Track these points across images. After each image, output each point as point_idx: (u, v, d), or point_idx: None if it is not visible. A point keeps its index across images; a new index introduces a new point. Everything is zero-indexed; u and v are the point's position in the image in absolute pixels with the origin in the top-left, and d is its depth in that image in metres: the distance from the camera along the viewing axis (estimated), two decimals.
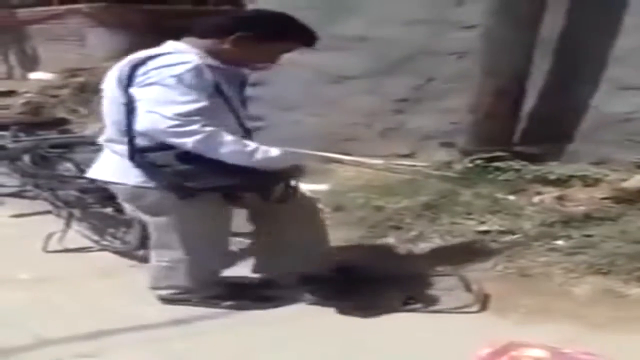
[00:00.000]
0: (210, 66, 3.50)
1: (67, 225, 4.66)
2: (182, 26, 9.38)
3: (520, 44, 4.98)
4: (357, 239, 4.46)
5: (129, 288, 4.02)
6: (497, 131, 5.19)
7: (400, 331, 3.53)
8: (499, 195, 4.69)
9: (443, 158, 5.22)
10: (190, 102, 3.37)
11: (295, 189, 3.68)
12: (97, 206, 4.69)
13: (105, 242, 4.59)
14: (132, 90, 3.47)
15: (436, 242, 4.38)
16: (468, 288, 3.81)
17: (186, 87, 3.39)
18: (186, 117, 3.35)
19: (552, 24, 5.07)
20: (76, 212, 4.70)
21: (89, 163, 4.71)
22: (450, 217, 4.54)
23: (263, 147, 3.45)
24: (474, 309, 3.70)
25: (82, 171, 4.75)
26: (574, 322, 3.49)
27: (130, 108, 3.46)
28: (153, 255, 3.86)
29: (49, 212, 4.92)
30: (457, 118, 5.31)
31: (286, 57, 5.72)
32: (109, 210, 4.61)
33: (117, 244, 4.53)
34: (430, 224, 4.49)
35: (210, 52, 3.55)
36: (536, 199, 4.67)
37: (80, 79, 7.85)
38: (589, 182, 4.74)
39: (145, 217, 3.80)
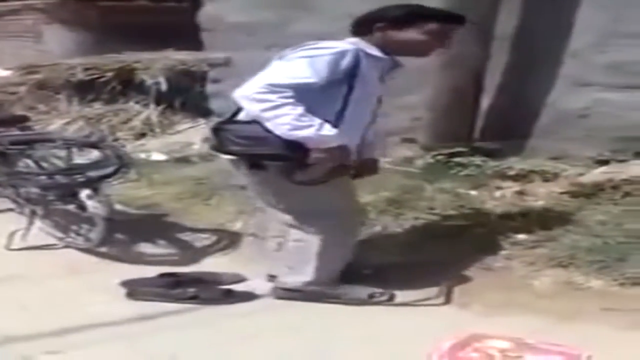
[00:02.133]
0: (368, 54, 3.64)
1: (30, 222, 4.65)
2: (138, 22, 9.34)
3: (476, 40, 5.03)
4: None
5: (95, 284, 4.04)
6: (456, 127, 5.26)
7: (365, 324, 3.59)
8: (461, 191, 4.75)
9: (405, 154, 5.27)
10: (295, 77, 3.50)
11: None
12: (59, 203, 4.68)
13: (69, 239, 4.59)
14: (273, 63, 3.65)
15: (400, 236, 4.42)
16: (433, 282, 3.87)
17: (310, 67, 3.53)
18: (273, 87, 3.46)
19: (508, 21, 5.12)
20: (39, 209, 4.68)
21: (49, 160, 4.74)
22: (414, 212, 4.58)
23: (324, 125, 3.49)
24: (438, 301, 3.76)
25: (43, 168, 4.75)
26: (536, 314, 3.57)
27: None
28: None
29: (10, 209, 4.89)
30: (417, 114, 5.35)
31: (245, 55, 5.88)
32: (71, 207, 4.60)
33: (81, 240, 4.53)
34: (394, 219, 4.54)
35: (379, 45, 3.69)
36: (497, 193, 4.74)
37: (39, 76, 7.78)
38: (548, 177, 4.82)
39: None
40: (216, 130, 3.69)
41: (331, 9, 5.49)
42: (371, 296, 3.80)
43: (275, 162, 3.61)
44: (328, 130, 3.49)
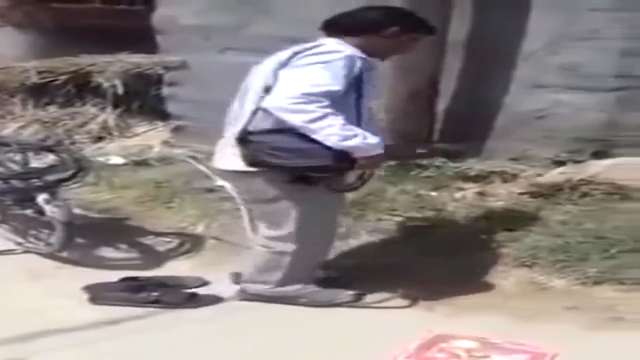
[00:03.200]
0: (361, 58, 3.63)
1: None
2: (92, 25, 9.21)
3: (430, 44, 5.02)
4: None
5: (56, 289, 3.97)
6: (415, 130, 5.27)
7: (331, 326, 3.57)
8: (422, 192, 4.76)
9: None
10: (323, 85, 3.49)
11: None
12: (17, 208, 4.59)
13: (29, 244, 4.50)
14: (281, 72, 3.59)
15: (364, 238, 4.42)
16: (398, 283, 3.86)
17: (330, 73, 3.52)
18: (309, 97, 3.46)
19: (461, 25, 5.15)
20: None
21: (5, 164, 4.65)
22: (376, 213, 4.58)
23: (365, 133, 3.52)
24: (404, 303, 3.76)
25: None
26: (501, 314, 3.58)
27: (267, 89, 3.58)
28: (255, 245, 3.87)
29: None
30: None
31: (200, 58, 5.85)
32: (29, 212, 4.52)
33: (41, 245, 4.45)
34: (357, 221, 4.53)
35: (359, 47, 3.67)
36: (458, 194, 4.76)
37: None
38: (507, 177, 4.85)
39: (254, 205, 3.90)
40: (244, 141, 3.61)
41: (286, 12, 5.49)
42: (337, 298, 3.78)
43: (320, 173, 3.61)
44: (372, 138, 3.53)
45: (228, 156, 3.72)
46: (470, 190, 4.79)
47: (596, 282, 3.72)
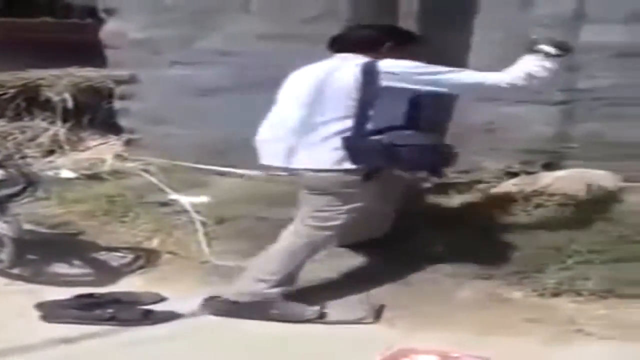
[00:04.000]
0: None
1: None
2: (41, 39, 8.97)
3: None
4: (243, 250, 4.34)
5: (8, 308, 3.80)
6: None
7: (291, 343, 3.47)
8: None
9: None
10: None
11: None
12: None
13: None
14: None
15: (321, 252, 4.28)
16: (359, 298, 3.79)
17: None
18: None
19: None
20: None
21: None
22: None
23: None
24: (369, 319, 3.66)
25: None
26: (461, 327, 3.51)
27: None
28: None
29: None
30: None
31: (150, 72, 5.74)
32: None
33: None
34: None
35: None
36: None
37: None
38: (462, 189, 4.78)
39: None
40: (351, 140, 3.68)
41: (231, 27, 5.38)
42: (305, 314, 3.69)
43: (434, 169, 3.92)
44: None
45: (316, 155, 3.72)
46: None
47: (554, 293, 3.66)
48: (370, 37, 3.90)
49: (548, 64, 3.70)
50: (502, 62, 4.02)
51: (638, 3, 4.43)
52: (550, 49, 3.71)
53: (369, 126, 3.68)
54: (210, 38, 5.47)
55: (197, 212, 4.73)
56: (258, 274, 3.82)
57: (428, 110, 3.93)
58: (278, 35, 5.20)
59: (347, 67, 3.75)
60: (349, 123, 3.67)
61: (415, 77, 3.69)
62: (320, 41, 4.38)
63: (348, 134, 3.66)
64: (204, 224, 4.62)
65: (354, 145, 3.66)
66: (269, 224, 4.57)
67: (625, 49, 4.39)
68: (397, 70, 3.70)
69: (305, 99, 3.82)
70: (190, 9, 5.44)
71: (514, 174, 4.74)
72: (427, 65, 3.74)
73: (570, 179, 4.52)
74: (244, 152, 5.46)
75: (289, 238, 3.90)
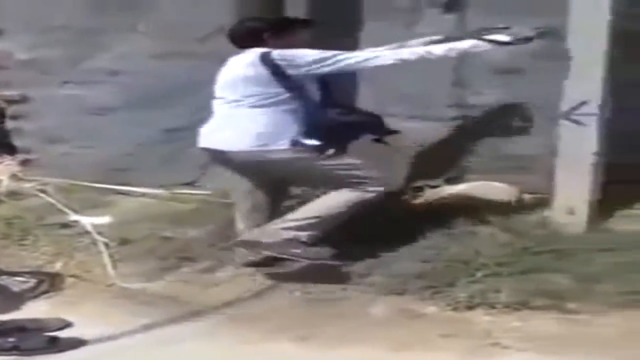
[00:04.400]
0: None
1: None
2: None
3: None
4: (149, 272, 4.21)
5: None
6: None
7: None
8: None
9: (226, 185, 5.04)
10: None
11: None
12: None
13: None
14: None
15: (230, 270, 4.20)
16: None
17: None
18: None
19: None
20: None
21: None
22: None
23: None
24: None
25: None
26: (376, 344, 3.46)
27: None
28: None
29: None
30: None
31: (44, 90, 5.55)
32: None
33: None
34: (223, 253, 4.31)
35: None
36: None
37: None
38: None
39: None
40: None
41: (121, 47, 5.30)
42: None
43: None
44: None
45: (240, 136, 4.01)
46: None
47: (468, 307, 3.64)
48: (250, 29, 4.12)
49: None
50: None
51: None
52: (503, 38, 3.95)
53: (309, 107, 4.00)
54: (99, 58, 5.37)
55: (100, 233, 4.57)
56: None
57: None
58: (169, 54, 5.13)
59: (248, 58, 4.03)
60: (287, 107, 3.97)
61: (309, 62, 3.94)
62: (212, 57, 4.45)
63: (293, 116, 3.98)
64: (107, 245, 4.46)
65: (308, 125, 3.98)
66: (174, 243, 4.48)
67: (504, 66, 4.43)
68: (290, 57, 3.95)
69: (225, 88, 4.13)
70: (78, 29, 5.32)
71: (420, 188, 4.76)
72: (321, 51, 3.95)
73: (472, 192, 4.56)
74: (144, 170, 5.39)
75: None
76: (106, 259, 4.33)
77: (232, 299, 3.93)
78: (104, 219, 4.76)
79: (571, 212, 4.17)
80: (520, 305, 3.56)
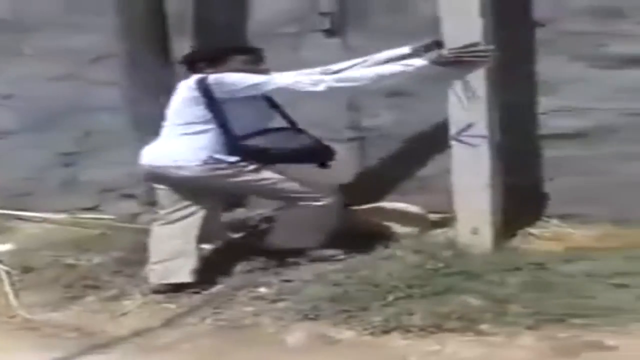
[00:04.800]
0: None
1: None
2: None
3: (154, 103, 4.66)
4: (53, 302, 4.02)
5: None
6: None
7: None
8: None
9: (129, 210, 4.89)
10: None
11: None
12: None
13: None
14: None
15: (139, 298, 4.05)
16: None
17: None
18: None
19: None
20: None
21: None
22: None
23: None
24: None
25: None
26: None
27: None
28: None
29: None
30: (129, 169, 4.96)
31: None
32: None
33: None
34: (130, 280, 4.18)
35: None
36: None
37: None
38: None
39: None
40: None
41: (9, 70, 5.24)
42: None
43: None
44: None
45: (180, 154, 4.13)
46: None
47: (384, 331, 3.55)
48: (187, 60, 4.33)
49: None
50: None
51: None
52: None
53: (239, 130, 4.11)
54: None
55: (0, 261, 4.37)
56: None
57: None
58: (62, 76, 5.05)
59: (189, 82, 4.17)
60: (210, 128, 4.10)
61: (236, 87, 4.09)
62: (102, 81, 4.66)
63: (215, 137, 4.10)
64: (9, 273, 4.26)
65: (228, 148, 4.10)
66: (79, 271, 4.31)
67: (395, 89, 4.43)
68: (220, 82, 4.09)
69: (172, 108, 4.23)
70: None
71: None
72: (247, 75, 4.11)
73: (381, 213, 4.53)
74: (44, 194, 5.16)
75: None
76: (8, 288, 4.12)
77: (141, 328, 3.77)
78: (5, 246, 4.59)
79: (475, 232, 4.18)
80: (435, 328, 3.51)
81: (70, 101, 5.02)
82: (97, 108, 4.91)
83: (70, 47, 4.95)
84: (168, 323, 3.80)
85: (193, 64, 4.27)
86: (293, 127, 4.27)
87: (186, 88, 4.17)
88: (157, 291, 4.06)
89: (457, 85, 4.05)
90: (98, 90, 4.83)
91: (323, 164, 4.23)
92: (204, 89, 4.09)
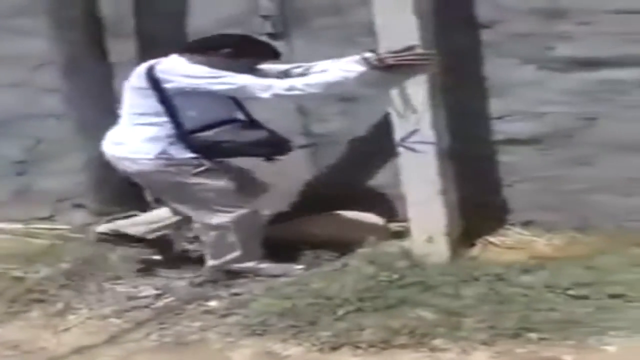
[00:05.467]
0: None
1: None
2: None
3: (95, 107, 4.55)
4: None
5: None
6: (125, 190, 4.57)
7: None
8: (145, 256, 4.25)
9: (83, 220, 4.68)
10: None
11: None
12: None
13: None
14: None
15: (85, 312, 3.85)
16: None
17: None
18: None
19: None
20: None
21: None
22: (98, 283, 4.06)
23: None
24: None
25: None
26: None
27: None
28: None
29: None
30: (81, 178, 4.77)
31: None
32: None
33: None
34: (77, 294, 3.98)
35: (205, 64, 3.94)
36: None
37: None
38: None
39: None
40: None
41: None
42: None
43: None
44: None
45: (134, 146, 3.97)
46: (198, 250, 4.29)
47: (333, 347, 3.35)
48: (213, 41, 4.06)
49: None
50: None
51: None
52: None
53: (192, 123, 3.91)
54: None
55: None
56: None
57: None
58: (9, 84, 4.82)
59: (139, 70, 3.98)
60: (162, 120, 3.91)
61: (189, 80, 3.87)
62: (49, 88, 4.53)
63: (166, 130, 3.91)
64: None
65: (180, 141, 3.91)
66: (25, 284, 4.10)
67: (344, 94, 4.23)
68: (168, 72, 3.90)
69: (124, 96, 4.07)
70: None
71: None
72: (210, 70, 3.88)
73: (336, 222, 4.31)
74: None
75: None
76: None
77: (83, 345, 3.57)
78: None
79: (430, 241, 3.99)
80: (385, 344, 3.31)
81: (19, 109, 4.80)
82: (46, 115, 4.69)
83: (15, 53, 4.73)
84: (111, 340, 3.60)
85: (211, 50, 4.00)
86: (248, 120, 4.07)
87: (136, 76, 3.99)
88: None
89: (397, 94, 3.87)
90: (46, 97, 4.62)
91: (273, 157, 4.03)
92: (153, 79, 3.90)
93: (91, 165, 4.58)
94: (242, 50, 4.01)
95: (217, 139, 3.92)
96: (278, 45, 4.26)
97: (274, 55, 4.09)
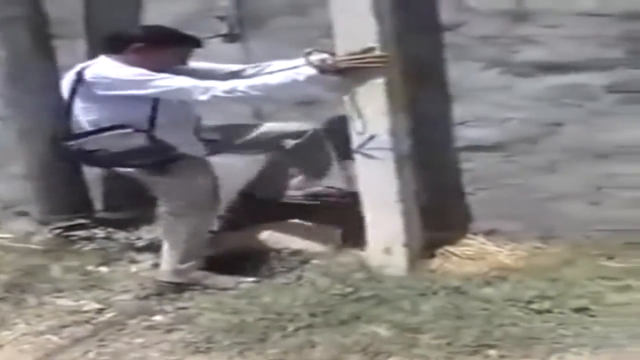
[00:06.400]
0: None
1: None
2: None
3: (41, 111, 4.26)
4: None
5: None
6: (71, 198, 4.42)
7: None
8: (90, 268, 4.00)
9: (25, 228, 4.39)
10: None
11: None
12: None
13: None
14: None
15: (21, 328, 3.56)
16: None
17: None
18: None
19: None
20: None
21: None
22: (38, 296, 3.78)
23: None
24: None
25: None
26: None
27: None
28: None
29: None
30: (25, 185, 4.48)
31: None
32: None
33: None
34: (15, 308, 3.70)
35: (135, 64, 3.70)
36: (133, 268, 4.03)
37: None
38: None
39: None
40: None
41: None
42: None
43: None
44: None
45: None
46: (147, 262, 4.07)
47: None
48: (114, 39, 3.83)
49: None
50: None
51: None
52: None
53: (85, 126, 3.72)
54: None
55: None
56: None
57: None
58: None
59: (70, 75, 3.79)
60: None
61: (119, 84, 3.62)
62: None
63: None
64: None
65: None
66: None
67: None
68: (99, 77, 3.66)
69: None
70: None
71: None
72: (135, 71, 3.63)
73: (287, 231, 4.06)
74: None
75: None
76: None
77: None
78: None
79: (387, 252, 3.75)
80: None
81: None
82: None
83: None
84: (45, 358, 3.31)
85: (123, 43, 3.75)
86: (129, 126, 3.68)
87: (67, 80, 3.78)
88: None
89: (353, 98, 3.64)
90: None
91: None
92: (81, 82, 3.68)
93: (35, 172, 4.32)
94: (154, 43, 3.73)
95: (85, 147, 3.68)
96: (234, 47, 4.07)
97: (194, 43, 3.82)
